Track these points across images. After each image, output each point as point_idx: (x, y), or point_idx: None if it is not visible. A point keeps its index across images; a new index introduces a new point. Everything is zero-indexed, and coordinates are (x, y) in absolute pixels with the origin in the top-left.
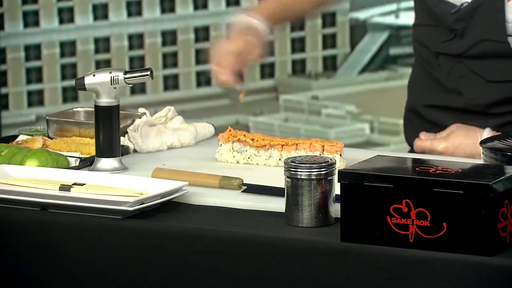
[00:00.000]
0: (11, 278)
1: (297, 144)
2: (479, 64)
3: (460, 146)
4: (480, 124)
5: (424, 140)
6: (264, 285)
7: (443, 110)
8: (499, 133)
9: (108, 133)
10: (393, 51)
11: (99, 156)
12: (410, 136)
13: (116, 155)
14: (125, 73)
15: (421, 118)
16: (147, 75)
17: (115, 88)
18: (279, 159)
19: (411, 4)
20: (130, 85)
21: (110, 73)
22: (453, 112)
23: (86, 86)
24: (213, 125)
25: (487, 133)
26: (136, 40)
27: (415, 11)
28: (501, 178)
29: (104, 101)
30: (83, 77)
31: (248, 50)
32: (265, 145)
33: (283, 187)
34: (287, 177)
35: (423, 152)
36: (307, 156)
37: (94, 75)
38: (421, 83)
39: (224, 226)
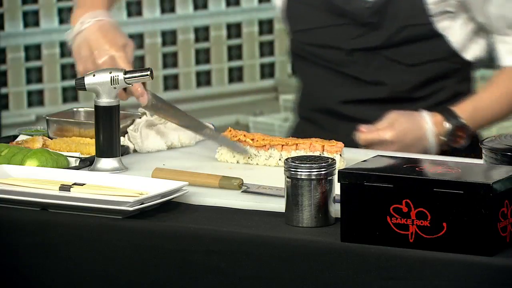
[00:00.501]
0: (11, 278)
1: (297, 144)
2: (399, 51)
3: (407, 131)
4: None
5: (368, 132)
6: (264, 285)
7: (365, 103)
8: (438, 114)
9: (108, 133)
10: None
11: (99, 156)
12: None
13: (116, 155)
14: (125, 73)
15: (337, 115)
16: (147, 75)
17: (115, 88)
18: (279, 159)
19: None
20: (130, 85)
21: (110, 73)
22: (376, 104)
23: (86, 86)
24: (213, 125)
25: (426, 114)
26: (136, 40)
27: (293, 18)
28: (501, 178)
29: (104, 101)
30: (83, 77)
31: (128, 54)
32: (265, 145)
33: (283, 187)
34: (287, 177)
35: (370, 144)
36: (307, 156)
37: (94, 75)
38: (330, 82)
39: (224, 226)
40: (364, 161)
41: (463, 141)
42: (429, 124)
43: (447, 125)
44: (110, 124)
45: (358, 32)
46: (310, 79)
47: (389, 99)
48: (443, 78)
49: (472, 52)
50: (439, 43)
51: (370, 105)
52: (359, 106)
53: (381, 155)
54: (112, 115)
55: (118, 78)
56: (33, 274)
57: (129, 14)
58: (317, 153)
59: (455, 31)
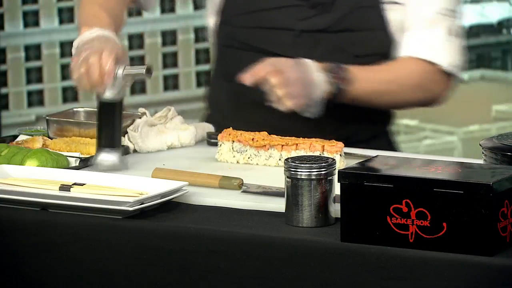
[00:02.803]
0: (11, 278)
1: (297, 144)
2: (346, 37)
3: (290, 68)
4: None
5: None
6: (264, 285)
7: None
8: (327, 65)
9: (110, 128)
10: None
11: (100, 151)
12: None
13: (117, 149)
14: (124, 69)
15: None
16: (142, 72)
17: (113, 84)
18: (279, 159)
19: None
20: (129, 83)
21: None
22: None
23: None
24: (213, 125)
25: (312, 64)
26: (136, 40)
27: (234, 3)
28: (501, 178)
29: (106, 95)
30: None
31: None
32: (265, 145)
33: (283, 187)
34: (287, 177)
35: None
36: (307, 156)
37: None
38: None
39: (224, 226)
40: (364, 161)
41: (345, 82)
42: (309, 61)
43: (329, 64)
44: (112, 119)
45: (309, 13)
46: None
47: None
48: None
49: (396, 51)
50: (382, 34)
51: None
52: None
53: (381, 155)
54: (113, 110)
55: (116, 73)
56: (33, 274)
57: (130, 14)
58: (317, 153)
59: (394, 25)
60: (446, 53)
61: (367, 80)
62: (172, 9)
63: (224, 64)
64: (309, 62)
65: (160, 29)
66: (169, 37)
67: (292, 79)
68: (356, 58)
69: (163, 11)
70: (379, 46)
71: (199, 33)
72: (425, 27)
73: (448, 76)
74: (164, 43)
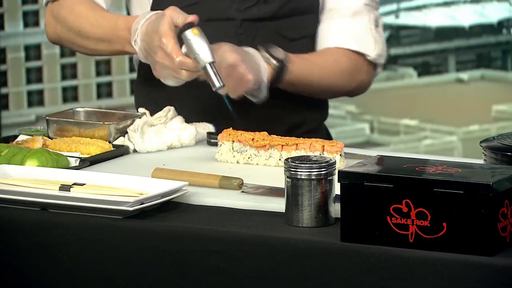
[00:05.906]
0: (11, 278)
1: (297, 144)
2: (285, 23)
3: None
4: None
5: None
6: (264, 285)
7: None
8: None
9: None
10: (393, 51)
11: None
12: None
13: None
14: (211, 64)
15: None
16: (215, 85)
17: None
18: (279, 159)
19: (411, 4)
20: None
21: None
22: None
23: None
24: (213, 125)
25: (254, 50)
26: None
27: None
28: (501, 178)
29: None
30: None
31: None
32: (265, 145)
33: (283, 187)
34: (287, 177)
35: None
36: (307, 156)
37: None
38: None
39: (224, 226)
40: (364, 161)
41: (282, 62)
42: (251, 48)
43: (263, 47)
44: None
45: (248, 3)
46: None
47: None
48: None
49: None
50: (314, 17)
51: None
52: None
53: (381, 155)
54: None
55: (203, 59)
56: (33, 274)
57: (129, 14)
58: (317, 153)
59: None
60: (373, 43)
61: (302, 65)
62: None
63: None
64: (251, 49)
65: None
66: None
67: (239, 61)
68: (290, 41)
69: None
70: (310, 28)
71: None
72: (352, 17)
73: (374, 65)
74: None
